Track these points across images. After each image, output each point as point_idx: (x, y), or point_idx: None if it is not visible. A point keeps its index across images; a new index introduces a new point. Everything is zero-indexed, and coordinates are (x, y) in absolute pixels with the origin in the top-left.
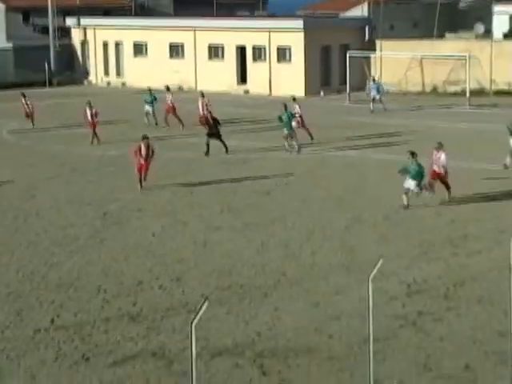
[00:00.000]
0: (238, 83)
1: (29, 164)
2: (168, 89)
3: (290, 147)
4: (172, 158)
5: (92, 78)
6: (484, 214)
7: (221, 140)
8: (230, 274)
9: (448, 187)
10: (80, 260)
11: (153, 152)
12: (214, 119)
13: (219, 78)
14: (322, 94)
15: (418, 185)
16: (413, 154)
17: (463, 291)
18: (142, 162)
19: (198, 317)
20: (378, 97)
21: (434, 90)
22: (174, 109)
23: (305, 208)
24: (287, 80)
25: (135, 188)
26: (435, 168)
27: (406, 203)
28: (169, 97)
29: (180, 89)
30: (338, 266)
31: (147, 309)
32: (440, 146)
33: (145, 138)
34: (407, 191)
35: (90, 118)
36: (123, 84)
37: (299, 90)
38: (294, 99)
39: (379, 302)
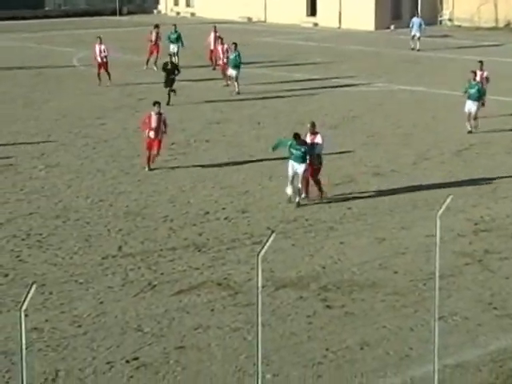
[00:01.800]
0: (308, 15)
1: (98, 92)
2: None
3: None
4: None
5: (161, 7)
6: None
7: (170, 89)
8: (295, 207)
9: (319, 187)
10: (147, 189)
11: (165, 125)
12: (174, 65)
13: (288, 10)
14: (392, 27)
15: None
16: (297, 135)
17: None
18: (152, 136)
19: (264, 248)
20: (418, 34)
21: (507, 25)
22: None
23: (372, 143)
24: (357, 13)
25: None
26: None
27: (290, 193)
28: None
29: (249, 20)
30: (404, 202)
31: (213, 239)
32: (313, 128)
33: (156, 104)
34: (293, 178)
35: (98, 55)
36: (192, 14)
37: (369, 23)
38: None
39: (445, 239)
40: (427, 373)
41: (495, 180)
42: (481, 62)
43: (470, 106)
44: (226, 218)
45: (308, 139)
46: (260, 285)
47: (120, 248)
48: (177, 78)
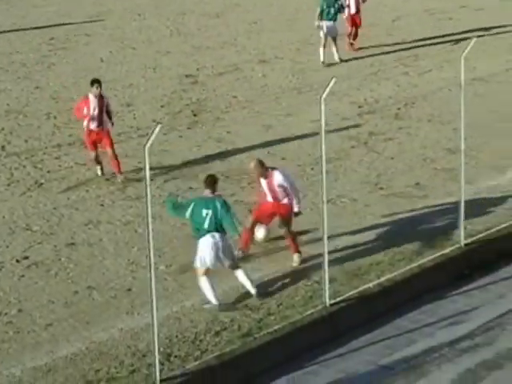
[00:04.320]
0: None
1: None
2: None
3: None
4: None
5: None
6: (434, 31)
7: None
8: (180, 98)
9: (294, 243)
10: (28, 86)
11: (109, 112)
12: None
13: None
14: None
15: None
16: (213, 181)
17: (414, 110)
18: (94, 128)
19: (150, 140)
20: None
21: None
22: None
23: (256, 30)
24: None
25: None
26: (267, 198)
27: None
28: None
29: None
30: (290, 88)
31: None
32: (263, 168)
33: (95, 83)
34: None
35: None
36: None
37: None
38: None
39: (331, 123)
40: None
41: (377, 61)
42: None
43: (327, 29)
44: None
45: (264, 186)
46: (148, 177)
47: (3, 147)
48: None
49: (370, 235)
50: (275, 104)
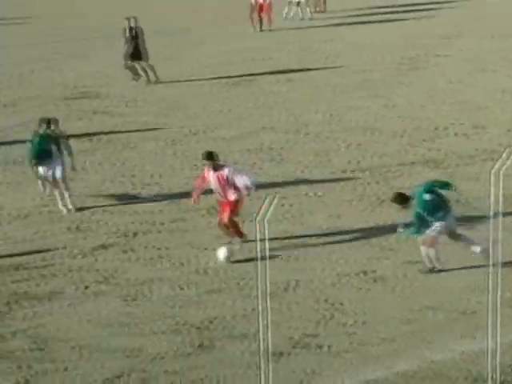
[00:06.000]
0: None
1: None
2: None
3: None
4: None
5: None
6: None
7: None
8: None
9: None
10: (375, 103)
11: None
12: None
13: None
14: None
15: None
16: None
17: None
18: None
19: (501, 165)
20: None
21: None
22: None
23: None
24: None
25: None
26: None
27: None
28: None
29: None
30: None
31: (446, 155)
32: (212, 160)
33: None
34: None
35: None
36: None
37: None
38: None
39: None
40: None
41: None
42: None
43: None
44: (459, 134)
45: (214, 177)
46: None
47: (350, 162)
48: None
49: None
50: None
